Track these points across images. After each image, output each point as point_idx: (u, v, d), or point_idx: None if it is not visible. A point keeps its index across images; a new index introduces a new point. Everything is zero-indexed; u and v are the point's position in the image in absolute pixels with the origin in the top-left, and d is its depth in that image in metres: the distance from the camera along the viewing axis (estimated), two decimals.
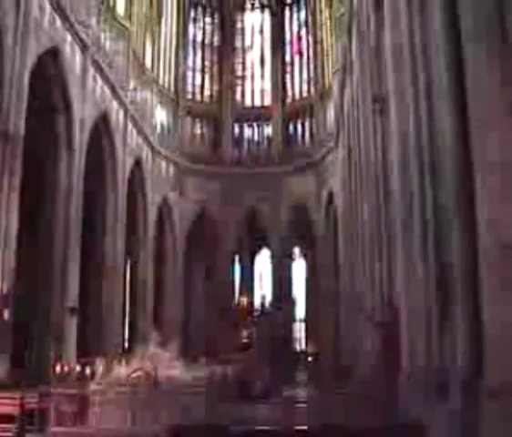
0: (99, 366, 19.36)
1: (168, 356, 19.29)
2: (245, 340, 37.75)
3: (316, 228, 41.19)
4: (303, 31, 46.80)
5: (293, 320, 43.73)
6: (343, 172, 30.82)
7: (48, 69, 23.25)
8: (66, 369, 20.26)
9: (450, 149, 8.16)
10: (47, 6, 22.24)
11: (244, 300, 40.62)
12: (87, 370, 18.71)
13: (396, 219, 11.13)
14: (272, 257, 43.75)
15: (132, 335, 34.78)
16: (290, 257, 44.34)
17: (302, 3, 46.88)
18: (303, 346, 43.53)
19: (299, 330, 44.35)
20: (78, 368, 20.26)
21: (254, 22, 49.14)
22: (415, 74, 9.15)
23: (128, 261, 35.25)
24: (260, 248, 46.00)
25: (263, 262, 46.00)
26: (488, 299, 6.95)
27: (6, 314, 18.65)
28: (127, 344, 34.26)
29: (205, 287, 42.38)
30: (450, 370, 8.35)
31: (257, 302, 42.89)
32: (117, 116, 30.68)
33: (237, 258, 44.90)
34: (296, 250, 45.38)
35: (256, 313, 41.13)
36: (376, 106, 17.30)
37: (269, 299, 42.52)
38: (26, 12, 19.89)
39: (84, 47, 25.73)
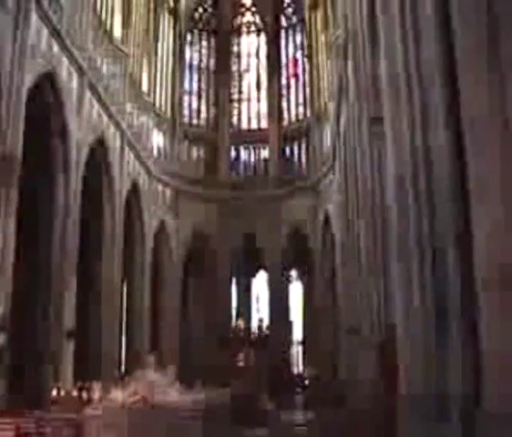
0: (96, 390, 19.29)
1: (166, 380, 19.21)
2: (242, 364, 37.67)
3: (313, 250, 41.19)
4: (299, 54, 47.06)
5: (291, 343, 43.62)
6: (340, 194, 30.83)
7: (45, 93, 23.29)
8: (62, 393, 20.18)
9: (446, 175, 8.17)
10: (45, 30, 22.33)
11: (241, 324, 40.57)
12: (84, 395, 18.64)
13: (392, 244, 11.12)
14: (269, 279, 43.71)
15: (129, 360, 34.63)
16: (287, 279, 44.30)
17: (298, 26, 47.15)
18: (301, 369, 43.40)
19: (296, 352, 44.22)
20: (75, 392, 20.19)
21: (250, 45, 49.43)
22: (411, 96, 9.17)
23: (125, 285, 35.14)
24: (257, 270, 45.95)
25: (260, 285, 45.91)
26: (487, 327, 6.93)
27: (2, 339, 18.59)
28: (124, 369, 34.12)
29: (202, 310, 42.25)
30: (449, 397, 8.31)
31: (254, 325, 42.85)
32: (113, 139, 30.72)
33: (234, 280, 44.87)
34: (293, 273, 45.35)
35: (253, 336, 41.06)
36: (372, 129, 17.34)
37: (266, 322, 42.45)
38: (24, 36, 19.96)
39: (81, 71, 25.80)
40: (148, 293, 36.37)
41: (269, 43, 48.25)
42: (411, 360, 9.47)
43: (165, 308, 39.75)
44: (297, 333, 44.26)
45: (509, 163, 6.70)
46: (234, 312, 44.37)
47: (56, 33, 23.22)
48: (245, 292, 45.98)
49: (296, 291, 45.43)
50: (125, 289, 35.23)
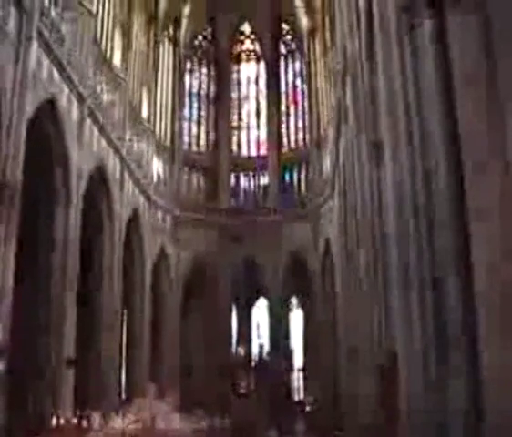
0: (96, 419, 19.21)
1: (166, 408, 19.14)
2: (243, 391, 37.53)
3: (313, 276, 41.15)
4: (298, 81, 47.28)
5: (291, 369, 43.44)
6: (340, 220, 30.86)
7: (45, 120, 23.37)
8: (62, 421, 20.08)
9: (445, 195, 8.21)
10: (45, 59, 22.45)
11: (242, 351, 40.47)
12: (84, 423, 18.54)
13: (393, 272, 11.13)
14: (270, 306, 43.65)
15: (129, 386, 34.51)
16: (287, 306, 44.22)
17: (297, 53, 47.41)
18: (302, 395, 43.20)
19: (297, 379, 44.00)
20: (75, 420, 20.09)
21: (250, 72, 49.68)
22: (410, 124, 9.23)
23: (125, 312, 35.06)
24: (257, 297, 45.82)
25: (261, 311, 45.79)
26: (487, 342, 6.94)
27: (2, 365, 18.52)
28: (124, 396, 33.96)
29: (203, 337, 42.10)
30: (450, 412, 8.30)
31: (255, 352, 42.74)
32: (113, 166, 30.77)
33: (234, 307, 44.77)
34: (293, 299, 45.25)
35: (254, 363, 40.96)
36: (372, 153, 17.40)
37: (266, 348, 42.34)
38: (25, 64, 20.06)
39: (81, 99, 25.89)
40: (148, 320, 36.29)
41: (268, 70, 48.51)
42: (411, 388, 9.46)
43: (165, 335, 39.64)
44: (297, 360, 44.06)
45: (508, 193, 6.74)
46: (234, 339, 44.21)
47: (56, 61, 23.34)
48: (245, 319, 45.83)
49: (296, 318, 45.28)
50: (125, 316, 35.15)
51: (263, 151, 47.16)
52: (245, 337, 44.25)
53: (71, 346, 24.26)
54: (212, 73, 48.84)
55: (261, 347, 42.69)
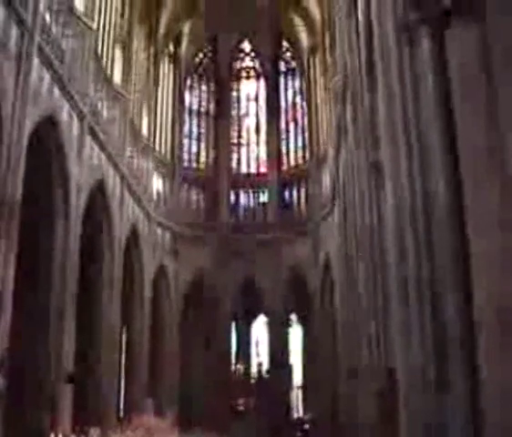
0: (95, 435, 19.15)
1: (165, 425, 19.09)
2: (242, 408, 37.47)
3: (313, 292, 41.12)
4: (298, 98, 47.40)
5: (291, 387, 43.33)
6: (339, 237, 30.86)
7: (46, 136, 23.41)
8: (60, 436, 20.01)
9: (444, 211, 8.23)
10: (46, 75, 22.52)
11: (241, 368, 40.43)
12: None
13: (392, 281, 11.14)
14: (269, 323, 43.60)
15: (128, 402, 34.42)
16: (287, 323, 44.15)
17: (297, 71, 47.58)
18: (301, 412, 43.08)
19: (296, 396, 43.87)
20: (73, 435, 20.02)
21: (250, 90, 49.81)
22: (409, 140, 9.25)
23: (125, 329, 35.02)
24: (256, 314, 45.76)
25: (260, 329, 45.72)
26: (486, 361, 6.94)
27: (0, 379, 18.47)
28: (122, 411, 33.88)
29: (202, 353, 42.03)
30: (450, 428, 8.28)
31: (254, 369, 42.70)
32: (113, 183, 30.79)
33: (233, 324, 44.70)
34: (293, 316, 45.18)
35: (253, 380, 40.91)
36: (371, 170, 17.43)
37: (266, 366, 42.31)
38: (26, 80, 20.13)
39: (81, 115, 25.95)
40: (147, 336, 36.23)
41: (268, 87, 48.66)
42: (410, 403, 9.44)
43: (164, 351, 39.58)
44: (297, 377, 43.96)
45: (508, 207, 6.75)
46: (234, 356, 44.15)
47: (57, 77, 23.41)
48: (245, 336, 45.75)
49: (296, 335, 45.20)
50: (124, 332, 35.11)
51: (263, 168, 47.24)
52: (244, 354, 44.22)
53: (70, 361, 24.21)
54: (212, 90, 48.98)
55: (260, 364, 42.66)
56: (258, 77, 49.81)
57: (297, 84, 47.83)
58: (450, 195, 8.19)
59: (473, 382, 7.54)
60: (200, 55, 48.70)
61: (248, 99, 49.80)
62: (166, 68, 44.42)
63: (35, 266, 24.42)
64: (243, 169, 48.00)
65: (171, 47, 45.04)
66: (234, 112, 49.28)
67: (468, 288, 7.52)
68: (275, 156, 46.54)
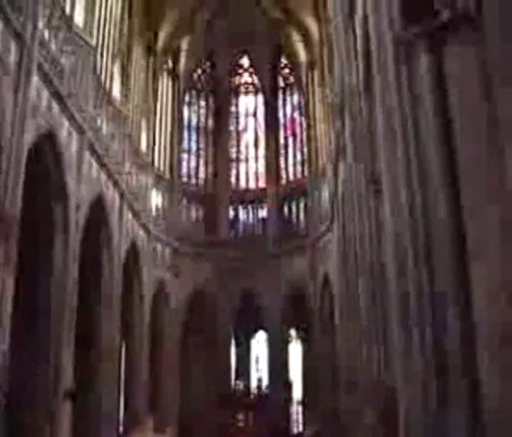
0: None
1: None
2: (242, 425, 37.39)
3: (312, 309, 41.10)
4: (297, 113, 47.52)
5: (290, 402, 43.23)
6: (339, 252, 30.83)
7: (45, 152, 23.40)
8: None
9: (444, 227, 8.21)
10: (45, 91, 22.53)
11: (241, 384, 40.37)
12: None
13: (392, 297, 11.11)
14: (269, 339, 43.57)
15: (128, 417, 34.31)
16: (286, 338, 44.11)
17: (296, 86, 47.70)
18: (301, 428, 42.96)
19: (296, 412, 43.78)
20: None
21: (248, 105, 49.97)
22: (408, 154, 9.25)
23: (124, 343, 34.95)
24: (256, 330, 45.73)
25: (260, 344, 45.67)
26: (487, 376, 6.92)
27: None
28: (122, 429, 33.78)
29: (202, 370, 41.96)
30: None
31: (253, 385, 42.64)
32: (112, 199, 30.80)
33: (233, 339, 44.65)
34: (292, 332, 45.13)
35: (253, 396, 40.84)
36: (370, 188, 17.43)
37: (265, 381, 42.25)
38: (25, 96, 20.12)
39: (80, 131, 25.95)
40: (146, 352, 36.19)
41: (266, 103, 48.80)
42: (411, 422, 9.40)
43: (164, 367, 39.51)
44: (297, 393, 43.86)
45: (508, 222, 6.74)
46: (233, 372, 44.09)
47: (56, 93, 23.42)
48: (244, 352, 45.71)
49: (295, 351, 45.14)
50: (124, 347, 35.04)
51: (262, 183, 47.30)
52: (244, 369, 44.17)
53: (69, 377, 24.14)
54: (211, 105, 49.13)
55: (259, 380, 42.60)
56: (256, 93, 49.95)
57: (295, 99, 47.96)
58: (449, 210, 8.18)
59: (474, 397, 7.51)
60: (199, 71, 48.84)
61: (246, 114, 49.96)
62: (164, 84, 44.56)
63: (34, 282, 24.37)
64: (242, 184, 48.08)
65: (170, 63, 45.21)
66: (233, 127, 49.39)
67: (468, 302, 7.50)
68: (274, 171, 46.63)
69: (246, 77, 50.44)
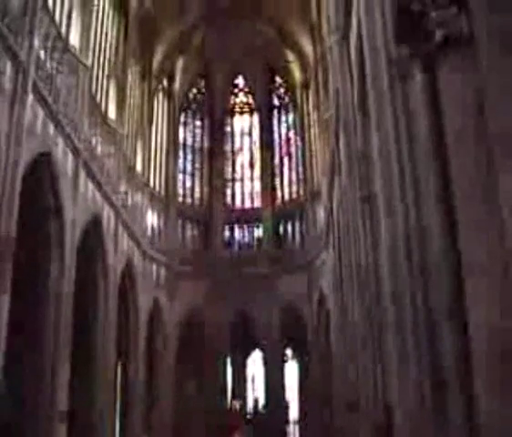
0: None
1: None
2: None
3: (308, 328, 41.07)
4: (292, 133, 47.64)
5: (287, 422, 43.07)
6: (334, 272, 30.84)
7: (40, 172, 23.40)
8: None
9: (440, 251, 8.23)
10: (40, 112, 22.55)
11: (237, 404, 40.22)
12: None
13: (388, 317, 11.12)
14: (265, 358, 43.44)
15: None
16: (282, 358, 44.01)
17: (290, 106, 47.92)
18: None
19: (292, 432, 43.61)
20: None
21: (243, 125, 50.09)
22: (403, 175, 9.28)
23: (120, 363, 34.82)
24: (252, 349, 45.60)
25: (255, 364, 45.53)
26: (485, 392, 6.92)
27: None
28: None
29: (197, 389, 41.83)
30: None
31: (250, 405, 42.49)
32: (108, 219, 30.78)
33: (229, 360, 44.53)
34: (288, 352, 45.03)
35: (249, 416, 40.70)
36: (365, 207, 17.46)
37: (262, 401, 42.11)
38: (20, 117, 20.14)
39: (76, 151, 25.97)
40: (142, 372, 36.06)
41: (261, 122, 48.94)
42: (408, 431, 9.41)
43: (160, 387, 39.35)
44: (293, 412, 43.71)
45: (504, 237, 6.76)
46: (230, 391, 43.96)
47: (51, 114, 23.45)
48: (240, 372, 45.56)
49: (292, 370, 45.02)
50: (119, 368, 34.91)
51: (257, 203, 47.34)
52: (240, 389, 44.03)
53: (64, 400, 24.01)
54: (206, 125, 49.25)
55: (256, 400, 42.46)
56: (251, 112, 50.11)
57: (290, 118, 48.16)
58: (444, 226, 8.20)
59: (471, 414, 7.50)
60: (194, 91, 49.04)
61: (242, 134, 50.11)
62: (160, 104, 44.68)
63: (29, 301, 24.30)
64: (238, 204, 48.14)
65: (165, 83, 45.34)
66: (228, 147, 49.53)
67: (465, 317, 7.51)
68: (269, 190, 46.71)
69: (241, 97, 50.65)
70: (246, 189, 48.54)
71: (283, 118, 48.84)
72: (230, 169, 48.99)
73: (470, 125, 7.50)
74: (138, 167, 38.62)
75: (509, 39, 6.91)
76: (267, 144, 48.14)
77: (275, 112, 49.16)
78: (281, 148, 48.26)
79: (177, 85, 46.22)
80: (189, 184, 47.10)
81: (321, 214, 39.57)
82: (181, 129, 47.63)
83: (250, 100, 50.17)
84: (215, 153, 48.31)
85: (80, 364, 27.77)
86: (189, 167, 47.55)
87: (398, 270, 9.51)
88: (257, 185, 48.14)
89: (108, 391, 30.14)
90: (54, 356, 23.75)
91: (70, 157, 25.64)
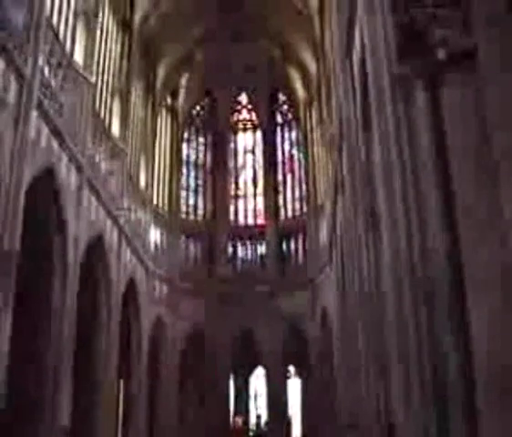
0: None
1: None
2: None
3: (311, 344, 40.99)
4: (295, 150, 47.71)
5: None
6: (337, 289, 30.76)
7: (44, 188, 23.42)
8: None
9: (442, 266, 8.23)
10: (44, 128, 22.61)
11: (239, 420, 40.10)
12: None
13: (390, 336, 11.11)
14: (267, 376, 43.33)
15: None
16: (285, 375, 43.91)
17: (294, 123, 47.96)
18: None
19: None
20: None
21: (247, 142, 50.17)
22: (406, 192, 9.29)
23: (122, 381, 34.75)
24: (254, 366, 45.50)
25: (258, 381, 45.43)
26: (487, 419, 6.91)
27: None
28: None
29: (200, 405, 41.71)
30: None
31: (252, 422, 42.39)
32: (111, 235, 30.79)
33: (232, 376, 44.42)
34: (291, 368, 44.94)
35: (252, 433, 40.58)
36: (369, 223, 17.45)
37: (264, 418, 41.99)
38: (24, 133, 20.18)
39: (79, 168, 26.01)
40: (145, 389, 35.96)
41: (265, 139, 48.98)
42: None
43: (162, 404, 39.22)
44: (296, 429, 43.56)
45: (507, 260, 6.77)
46: (232, 408, 43.82)
47: (55, 130, 23.51)
48: (243, 388, 45.46)
49: (295, 387, 44.90)
50: (122, 386, 34.84)
51: (261, 220, 47.34)
52: (243, 406, 43.92)
53: (66, 414, 23.94)
54: (210, 142, 49.32)
55: (259, 417, 42.35)
56: (255, 129, 50.17)
57: (294, 135, 48.22)
58: (448, 244, 8.20)
59: (474, 432, 7.48)
60: (198, 108, 49.17)
61: (245, 151, 50.16)
62: (163, 121, 44.78)
63: (31, 321, 24.28)
64: (241, 221, 48.14)
65: (169, 100, 45.48)
66: (231, 164, 49.54)
67: (469, 344, 7.50)
68: (273, 207, 46.71)
69: (245, 114, 50.76)
70: (249, 206, 48.54)
71: (286, 135, 48.90)
72: (233, 186, 49.00)
73: (472, 140, 7.53)
74: (142, 184, 38.66)
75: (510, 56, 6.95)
76: (270, 161, 48.17)
77: (278, 129, 49.23)
78: (284, 165, 48.30)
79: (180, 101, 46.38)
80: (192, 200, 47.14)
81: (324, 231, 39.60)
82: (185, 146, 47.72)
83: (254, 117, 50.27)
84: (218, 170, 48.34)
85: (82, 379, 27.73)
86: (192, 184, 47.61)
87: (401, 286, 9.49)
88: (260, 202, 48.14)
89: (110, 407, 30.06)
90: (56, 370, 23.70)
91: (74, 172, 25.67)
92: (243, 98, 50.44)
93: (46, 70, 23.36)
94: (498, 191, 7.02)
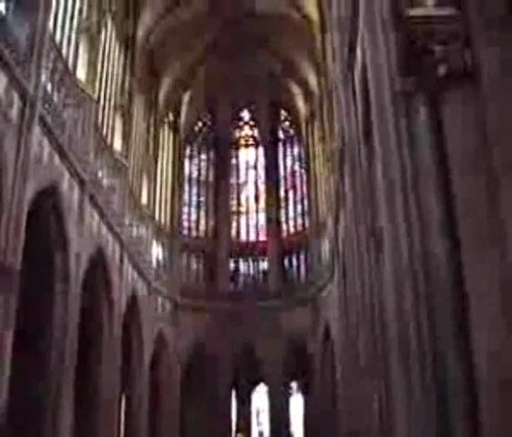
0: None
1: None
2: None
3: (313, 360, 40.92)
4: (297, 166, 47.76)
5: None
6: (340, 305, 30.74)
7: (46, 204, 23.45)
8: None
9: (444, 279, 8.24)
10: (47, 144, 22.67)
11: None
12: None
13: (393, 351, 11.10)
14: (270, 392, 43.22)
15: None
16: (287, 391, 43.79)
17: (296, 138, 48.06)
18: None
19: None
20: None
21: (249, 158, 50.23)
22: (408, 208, 9.31)
23: (124, 397, 34.68)
24: (256, 382, 45.39)
25: (260, 397, 45.31)
26: (489, 421, 6.91)
27: None
28: None
29: (202, 423, 41.58)
30: None
31: None
32: (113, 251, 30.80)
33: (234, 393, 44.32)
34: (294, 384, 44.83)
35: None
36: (370, 238, 17.45)
37: (267, 434, 41.89)
38: (26, 149, 20.23)
39: (82, 184, 26.05)
40: (146, 406, 35.87)
41: (266, 155, 49.05)
42: None
43: (164, 421, 39.15)
44: None
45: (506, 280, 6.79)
46: (234, 425, 43.71)
47: (58, 146, 23.57)
48: (245, 405, 45.34)
49: (297, 403, 44.77)
50: (123, 402, 34.76)
51: (262, 236, 47.36)
52: (245, 423, 43.80)
53: (68, 430, 23.88)
54: (212, 158, 49.43)
55: (261, 433, 42.26)
56: (257, 145, 50.29)
57: (296, 151, 48.31)
58: (449, 258, 8.22)
59: None
60: (200, 124, 49.33)
61: (247, 167, 50.24)
62: (166, 137, 44.86)
63: (32, 334, 24.26)
64: (243, 237, 48.14)
65: (171, 116, 45.58)
66: (233, 180, 49.62)
67: (470, 346, 7.51)
68: (275, 223, 46.74)
69: (246, 130, 50.91)
70: (251, 222, 48.58)
71: (288, 151, 49.01)
72: (235, 202, 49.06)
73: (473, 156, 7.56)
74: (144, 200, 38.68)
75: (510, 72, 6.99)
76: (272, 177, 48.27)
77: (280, 145, 49.35)
78: (286, 181, 48.37)
79: (182, 118, 46.49)
80: (194, 217, 47.20)
81: (326, 246, 39.58)
82: (187, 162, 47.84)
83: (256, 133, 50.41)
84: (220, 186, 48.43)
85: (84, 395, 27.70)
86: (194, 200, 47.69)
87: (403, 301, 9.50)
88: (262, 218, 48.21)
89: (112, 425, 29.98)
90: (57, 386, 23.65)
91: (76, 189, 25.72)
92: (245, 115, 50.63)
93: (49, 87, 23.47)
94: (499, 205, 7.05)
